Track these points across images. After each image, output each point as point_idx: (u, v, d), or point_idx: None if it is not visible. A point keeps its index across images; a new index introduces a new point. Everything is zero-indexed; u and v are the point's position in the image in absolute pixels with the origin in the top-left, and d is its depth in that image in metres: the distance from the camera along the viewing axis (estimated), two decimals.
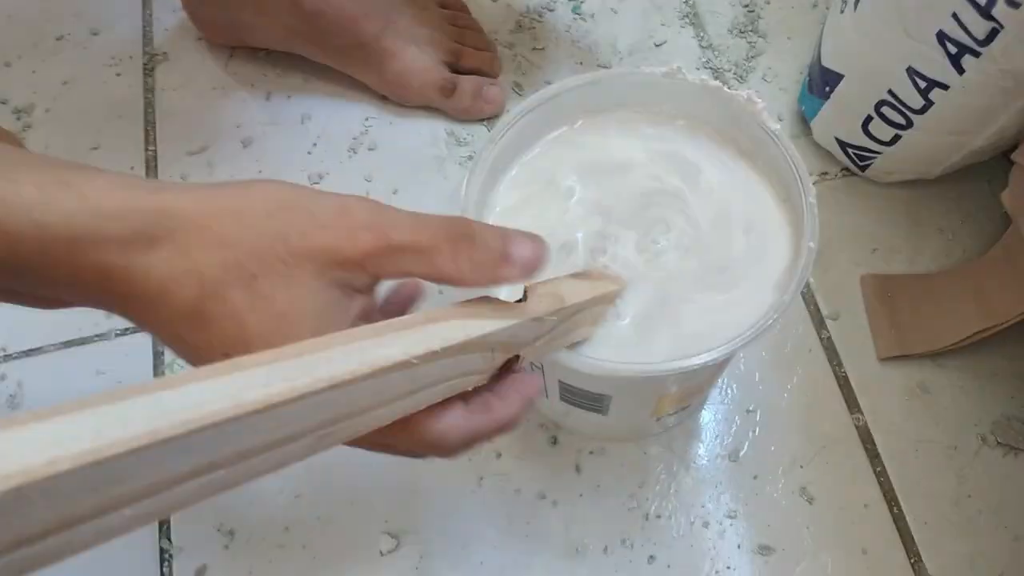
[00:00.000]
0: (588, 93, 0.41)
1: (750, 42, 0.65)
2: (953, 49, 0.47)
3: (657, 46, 0.65)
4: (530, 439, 0.51)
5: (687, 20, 0.66)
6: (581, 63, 0.64)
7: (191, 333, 0.24)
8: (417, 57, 0.60)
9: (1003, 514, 0.49)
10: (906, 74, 0.50)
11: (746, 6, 0.67)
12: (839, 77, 0.55)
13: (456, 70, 0.61)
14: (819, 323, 0.55)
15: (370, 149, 0.61)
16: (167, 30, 0.66)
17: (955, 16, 0.45)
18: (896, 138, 0.54)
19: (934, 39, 0.47)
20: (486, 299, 0.29)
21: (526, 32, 0.66)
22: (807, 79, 0.60)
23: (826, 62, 0.56)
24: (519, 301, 0.30)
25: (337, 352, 0.21)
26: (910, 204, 0.59)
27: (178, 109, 0.63)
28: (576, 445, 0.51)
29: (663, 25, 0.66)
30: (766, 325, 0.34)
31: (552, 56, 0.65)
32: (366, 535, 0.48)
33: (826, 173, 0.60)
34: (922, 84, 0.50)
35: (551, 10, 0.67)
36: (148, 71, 0.64)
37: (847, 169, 0.60)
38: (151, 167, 0.61)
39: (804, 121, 0.61)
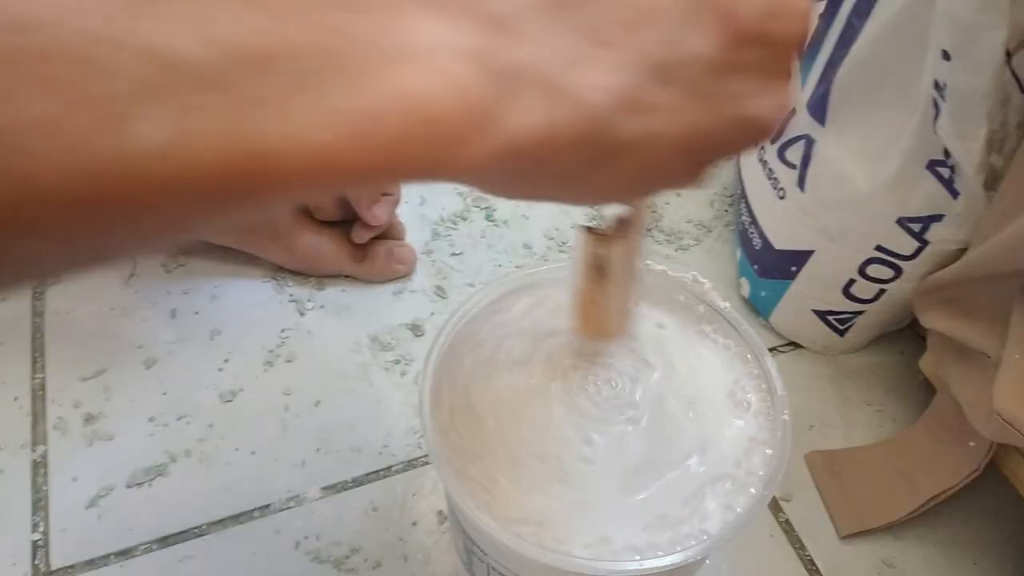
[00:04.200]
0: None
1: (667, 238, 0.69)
2: (946, 174, 0.47)
3: (564, 243, 0.67)
4: None
5: (594, 223, 0.69)
6: (500, 265, 0.65)
7: None
8: (325, 229, 0.59)
9: None
10: (896, 224, 0.50)
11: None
12: (807, 254, 0.56)
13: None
14: (774, 506, 0.53)
15: (288, 361, 0.58)
16: None
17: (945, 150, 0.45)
18: (880, 293, 0.55)
19: (926, 171, 0.47)
20: None
21: (443, 239, 0.66)
22: (751, 268, 0.62)
23: (781, 245, 0.58)
24: None
25: None
26: (834, 381, 0.60)
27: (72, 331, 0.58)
28: None
29: (572, 228, 0.68)
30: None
31: (470, 260, 0.65)
32: None
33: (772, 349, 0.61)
34: (916, 227, 0.50)
35: (464, 219, 0.68)
36: (38, 295, 0.60)
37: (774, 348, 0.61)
38: (38, 396, 0.54)
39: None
